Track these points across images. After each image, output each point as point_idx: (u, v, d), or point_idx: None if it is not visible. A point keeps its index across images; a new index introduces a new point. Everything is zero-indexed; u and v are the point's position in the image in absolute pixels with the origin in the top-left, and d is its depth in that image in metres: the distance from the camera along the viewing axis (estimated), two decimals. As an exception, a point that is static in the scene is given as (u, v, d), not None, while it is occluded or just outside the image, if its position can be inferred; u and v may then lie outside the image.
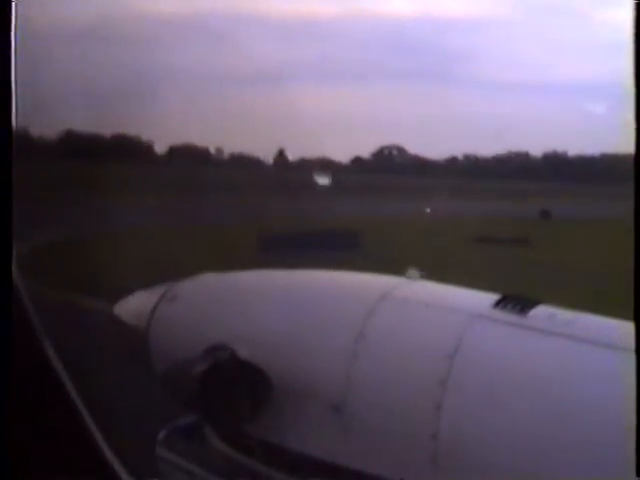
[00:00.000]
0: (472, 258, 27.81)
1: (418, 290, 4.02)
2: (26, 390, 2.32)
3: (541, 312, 3.55)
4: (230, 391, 3.78)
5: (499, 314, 3.57)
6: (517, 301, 3.60)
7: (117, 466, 2.65)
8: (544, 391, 3.27)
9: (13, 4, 2.05)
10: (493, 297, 3.69)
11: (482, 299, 3.75)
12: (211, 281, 4.60)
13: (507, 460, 3.23)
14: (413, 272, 4.10)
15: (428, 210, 45.55)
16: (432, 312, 3.73)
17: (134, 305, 4.74)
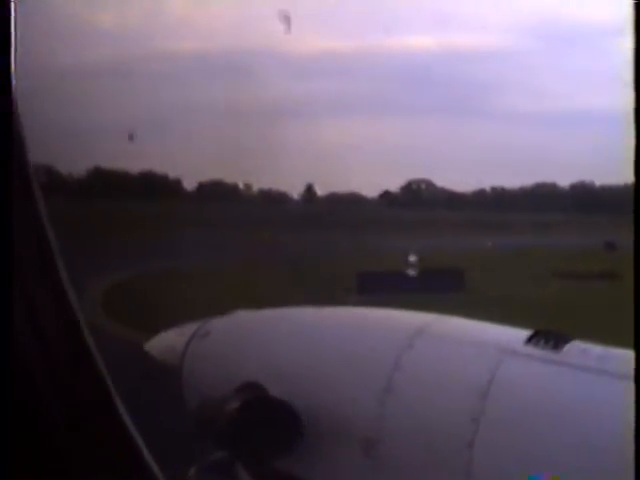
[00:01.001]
0: (572, 296, 26.96)
1: (452, 326, 4.02)
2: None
3: (574, 347, 3.53)
4: (261, 429, 3.77)
5: (532, 350, 3.55)
6: (549, 337, 3.58)
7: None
8: (576, 427, 3.23)
9: (13, 4, 2.07)
10: (526, 333, 3.68)
11: (515, 335, 3.73)
12: (244, 318, 4.62)
13: None
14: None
15: (490, 244, 45.11)
16: (466, 348, 3.72)
17: (168, 342, 4.77)
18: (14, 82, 1.88)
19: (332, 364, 3.96)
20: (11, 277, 1.87)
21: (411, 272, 27.95)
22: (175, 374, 4.45)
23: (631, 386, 3.26)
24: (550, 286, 30.54)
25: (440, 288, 25.48)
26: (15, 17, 1.93)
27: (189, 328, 4.62)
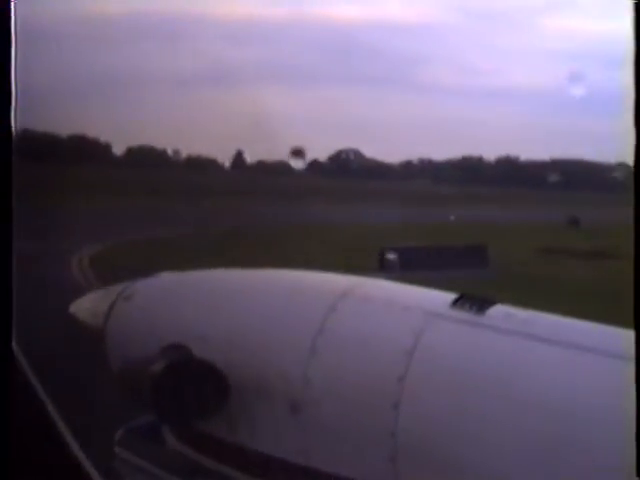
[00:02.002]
0: (578, 274, 26.29)
1: (378, 289, 4.03)
2: None
3: (498, 311, 3.57)
4: (186, 391, 3.75)
5: (457, 313, 3.59)
6: (474, 300, 3.63)
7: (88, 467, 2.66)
8: (500, 389, 3.27)
9: (13, 4, 2.04)
10: (451, 296, 3.71)
11: (440, 298, 3.76)
12: (168, 280, 4.57)
13: (463, 458, 3.23)
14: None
15: (452, 217, 44.86)
16: (391, 310, 3.74)
17: (92, 304, 4.70)
18: (14, 81, 1.86)
19: (257, 326, 3.94)
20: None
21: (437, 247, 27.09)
22: (99, 337, 4.39)
23: (555, 349, 3.34)
24: (559, 264, 29.62)
25: (465, 264, 24.71)
26: (15, 17, 1.90)
27: (114, 290, 4.56)
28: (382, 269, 24.24)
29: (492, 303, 3.62)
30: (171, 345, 3.90)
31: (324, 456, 3.56)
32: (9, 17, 2.00)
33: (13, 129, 2.08)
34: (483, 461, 3.19)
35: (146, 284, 4.56)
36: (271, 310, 3.98)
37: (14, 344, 2.42)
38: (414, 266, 22.30)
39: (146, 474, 4.14)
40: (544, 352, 3.34)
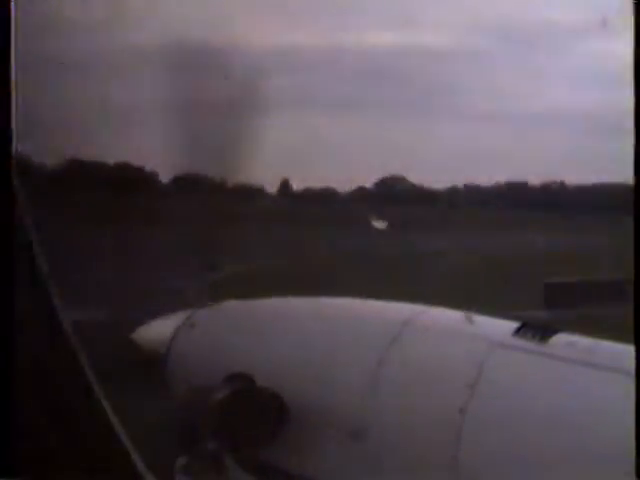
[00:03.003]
0: None
1: (439, 317, 4.03)
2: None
3: (561, 340, 3.55)
4: (249, 419, 3.78)
5: (519, 342, 3.57)
6: (537, 329, 3.61)
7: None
8: (565, 420, 3.26)
9: (13, 4, 2.06)
10: (513, 324, 3.70)
11: (503, 327, 3.75)
12: (232, 308, 4.61)
13: None
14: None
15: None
16: (453, 340, 3.74)
17: (156, 331, 4.76)
18: (14, 80, 1.89)
19: (320, 355, 3.97)
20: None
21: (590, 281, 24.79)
22: (162, 364, 4.44)
23: (617, 377, 3.30)
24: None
25: (612, 299, 23.44)
26: (15, 17, 1.94)
27: (177, 317, 4.61)
28: (548, 307, 22.54)
29: (555, 331, 3.61)
30: (235, 373, 3.94)
31: None
32: (9, 17, 2.04)
33: (13, 131, 2.11)
34: None
35: (210, 312, 4.60)
36: (334, 339, 4.00)
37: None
38: (573, 302, 21.14)
39: None
40: (606, 380, 3.31)
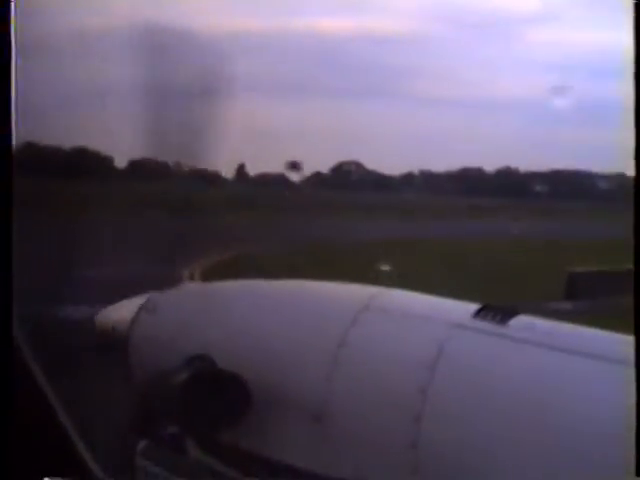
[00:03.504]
0: None
1: (399, 300, 4.05)
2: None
3: (520, 322, 3.59)
4: (210, 401, 3.78)
5: (479, 324, 3.61)
6: (497, 311, 3.65)
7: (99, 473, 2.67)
8: (523, 400, 3.29)
9: (13, 4, 2.05)
10: (473, 307, 3.74)
11: (462, 309, 3.78)
12: (192, 291, 4.61)
13: (486, 470, 3.24)
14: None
15: (516, 231, 43.60)
16: (412, 322, 3.76)
17: (116, 314, 4.73)
18: (14, 79, 1.87)
19: (280, 337, 3.97)
20: None
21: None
22: (122, 347, 4.42)
23: (575, 359, 3.37)
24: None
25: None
26: (15, 17, 1.92)
27: (138, 301, 4.59)
28: (570, 297, 21.72)
29: (514, 313, 3.65)
30: (195, 356, 3.93)
31: (345, 467, 3.57)
32: (9, 17, 2.02)
33: (13, 132, 2.09)
34: (505, 473, 3.21)
35: (170, 295, 4.59)
36: (294, 321, 4.01)
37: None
38: (598, 293, 20.14)
39: None
40: (566, 363, 3.36)
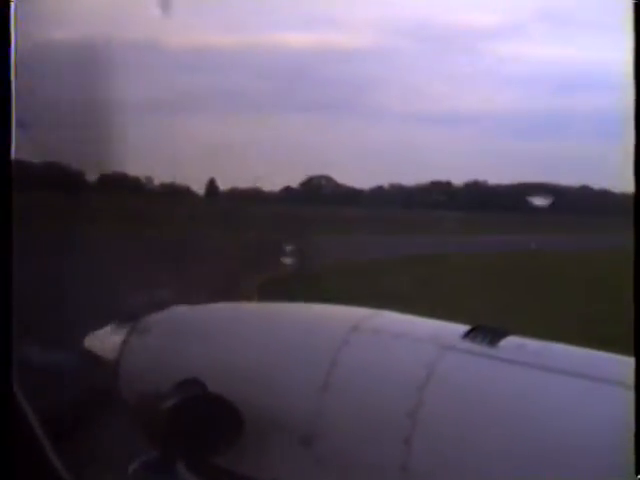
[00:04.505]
0: None
1: (389, 321, 4.06)
2: None
3: (510, 343, 3.59)
4: (200, 425, 3.77)
5: (468, 345, 3.63)
6: (486, 332, 3.67)
7: None
8: (514, 423, 3.28)
9: (13, 5, 2.05)
10: (463, 328, 3.76)
11: (453, 330, 3.80)
12: (182, 314, 4.59)
13: None
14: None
15: (533, 245, 43.35)
16: (402, 343, 3.78)
17: (105, 338, 4.71)
18: (14, 79, 1.87)
19: (270, 360, 3.98)
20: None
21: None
22: (113, 370, 4.40)
23: (565, 379, 3.40)
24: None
25: None
26: (15, 17, 1.92)
27: (129, 324, 4.57)
28: None
29: (505, 334, 3.65)
30: (186, 379, 3.92)
31: None
32: (9, 17, 2.02)
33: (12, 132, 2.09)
34: None
35: (160, 318, 4.57)
36: (284, 344, 4.01)
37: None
38: None
39: None
40: (556, 383, 3.38)
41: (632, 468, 2.58)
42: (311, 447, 3.63)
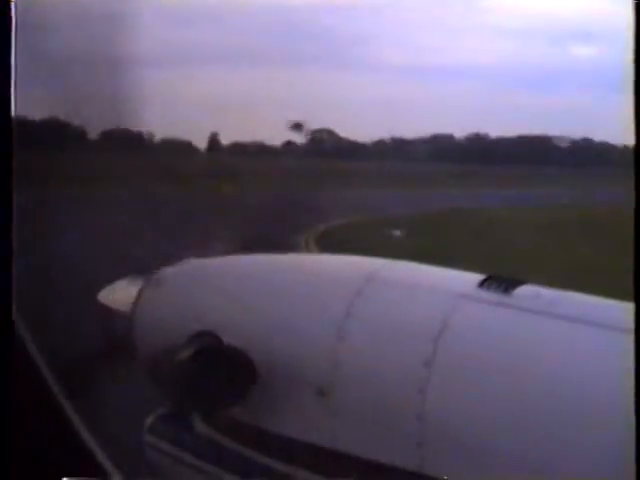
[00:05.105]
0: None
1: (403, 271, 4.05)
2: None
3: (525, 291, 3.58)
4: (215, 377, 3.78)
5: (484, 294, 3.61)
6: (501, 281, 3.66)
7: (107, 464, 2.68)
8: (529, 371, 3.28)
9: (13, 4, 2.04)
10: (478, 277, 3.75)
11: (468, 279, 3.79)
12: (196, 266, 4.58)
13: (492, 441, 3.25)
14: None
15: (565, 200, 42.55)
16: (417, 293, 3.76)
17: (120, 291, 4.71)
18: (14, 79, 1.85)
19: (284, 311, 3.97)
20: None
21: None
22: (127, 325, 4.41)
23: (579, 327, 3.40)
24: None
25: None
26: (15, 17, 1.90)
27: (143, 277, 4.57)
28: None
29: (519, 283, 3.64)
30: (199, 332, 3.93)
31: (350, 440, 3.58)
32: (9, 17, 2.00)
33: (13, 123, 2.08)
34: (511, 444, 3.20)
35: (174, 271, 4.56)
36: (298, 295, 4.00)
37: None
38: None
39: (176, 460, 4.18)
40: (571, 331, 3.38)
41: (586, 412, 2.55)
42: (326, 398, 3.64)
